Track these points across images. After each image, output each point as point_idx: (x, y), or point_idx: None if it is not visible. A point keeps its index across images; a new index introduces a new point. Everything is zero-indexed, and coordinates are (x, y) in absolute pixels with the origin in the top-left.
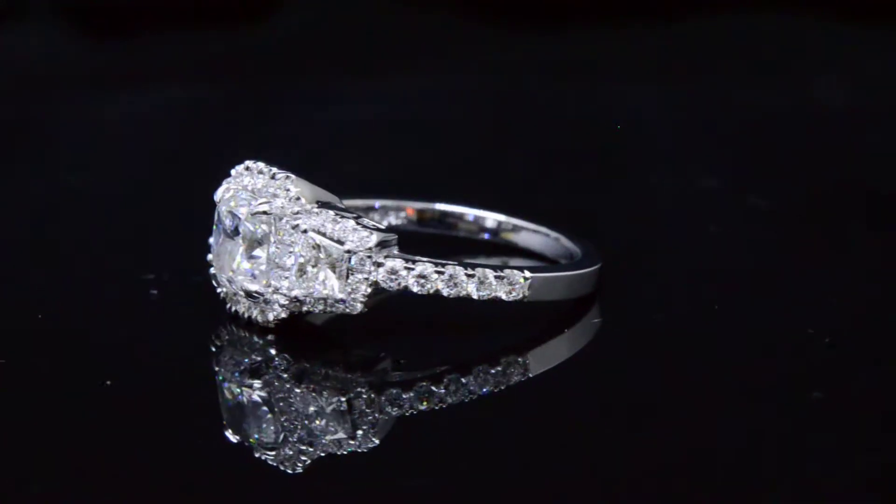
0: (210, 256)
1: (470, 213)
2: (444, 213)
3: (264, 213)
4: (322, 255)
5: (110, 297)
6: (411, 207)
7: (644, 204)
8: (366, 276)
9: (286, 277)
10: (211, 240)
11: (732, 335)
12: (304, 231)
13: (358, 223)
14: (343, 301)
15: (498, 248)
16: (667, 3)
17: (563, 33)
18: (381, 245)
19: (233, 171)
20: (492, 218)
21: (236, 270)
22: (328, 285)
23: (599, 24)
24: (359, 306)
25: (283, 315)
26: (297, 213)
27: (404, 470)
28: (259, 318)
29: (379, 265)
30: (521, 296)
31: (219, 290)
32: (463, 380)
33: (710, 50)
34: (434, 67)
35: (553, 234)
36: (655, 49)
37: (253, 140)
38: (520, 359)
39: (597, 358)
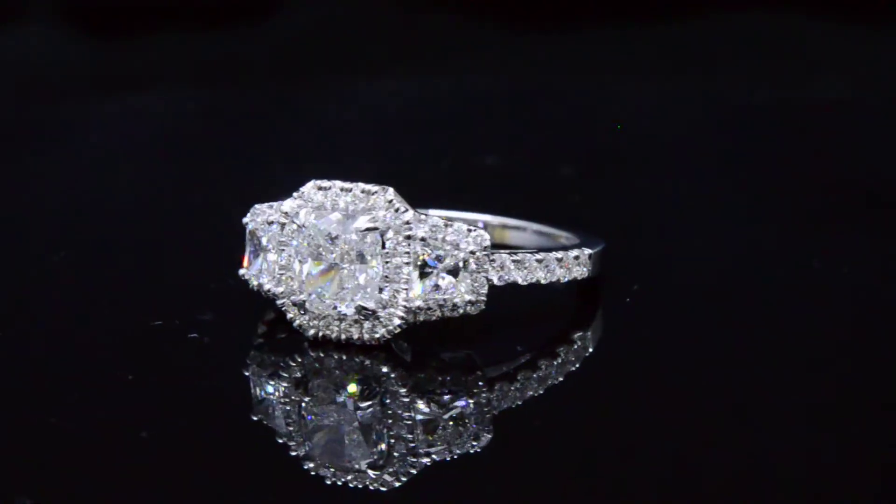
0: (270, 286)
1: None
2: None
3: (371, 229)
4: (441, 261)
5: (143, 336)
6: None
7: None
8: (485, 274)
9: (404, 289)
10: (250, 272)
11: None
12: (422, 239)
13: (468, 225)
14: (472, 303)
15: None
16: (665, 3)
17: (560, 32)
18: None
19: (296, 194)
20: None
21: (341, 291)
22: (455, 289)
23: (597, 23)
24: (482, 306)
25: (398, 329)
26: (408, 223)
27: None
28: (365, 337)
29: (492, 262)
30: (587, 273)
31: (294, 316)
32: (555, 361)
33: (708, 49)
34: (431, 67)
35: (534, 226)
36: (653, 48)
37: (252, 141)
38: (589, 333)
39: (656, 323)
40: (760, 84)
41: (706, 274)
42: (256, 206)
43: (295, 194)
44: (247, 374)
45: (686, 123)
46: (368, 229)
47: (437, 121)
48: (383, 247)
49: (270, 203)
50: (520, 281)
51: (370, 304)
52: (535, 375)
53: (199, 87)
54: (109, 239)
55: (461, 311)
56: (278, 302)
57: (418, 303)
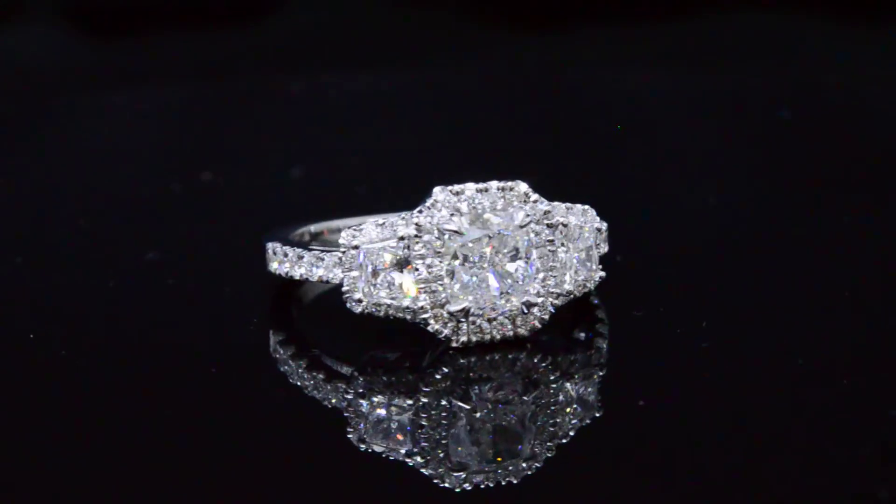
0: (407, 303)
1: None
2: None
3: (526, 224)
4: (575, 243)
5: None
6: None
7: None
8: (599, 251)
9: (553, 276)
10: (367, 297)
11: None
12: (564, 225)
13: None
14: (602, 279)
15: None
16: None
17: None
18: None
19: (427, 203)
20: None
21: (505, 290)
22: (593, 268)
23: (596, 21)
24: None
25: (548, 316)
26: (548, 212)
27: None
28: (519, 331)
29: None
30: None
31: (441, 327)
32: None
33: (708, 47)
34: (431, 65)
35: None
36: (653, 45)
37: (251, 140)
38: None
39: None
40: (750, 78)
41: (686, 241)
42: (357, 226)
43: (427, 203)
44: (358, 395)
45: (682, 116)
46: (523, 225)
47: (436, 116)
48: (536, 239)
49: (377, 220)
50: (601, 254)
51: (532, 298)
52: (606, 344)
53: (199, 85)
54: (110, 239)
55: (592, 288)
56: (422, 317)
57: (568, 287)
